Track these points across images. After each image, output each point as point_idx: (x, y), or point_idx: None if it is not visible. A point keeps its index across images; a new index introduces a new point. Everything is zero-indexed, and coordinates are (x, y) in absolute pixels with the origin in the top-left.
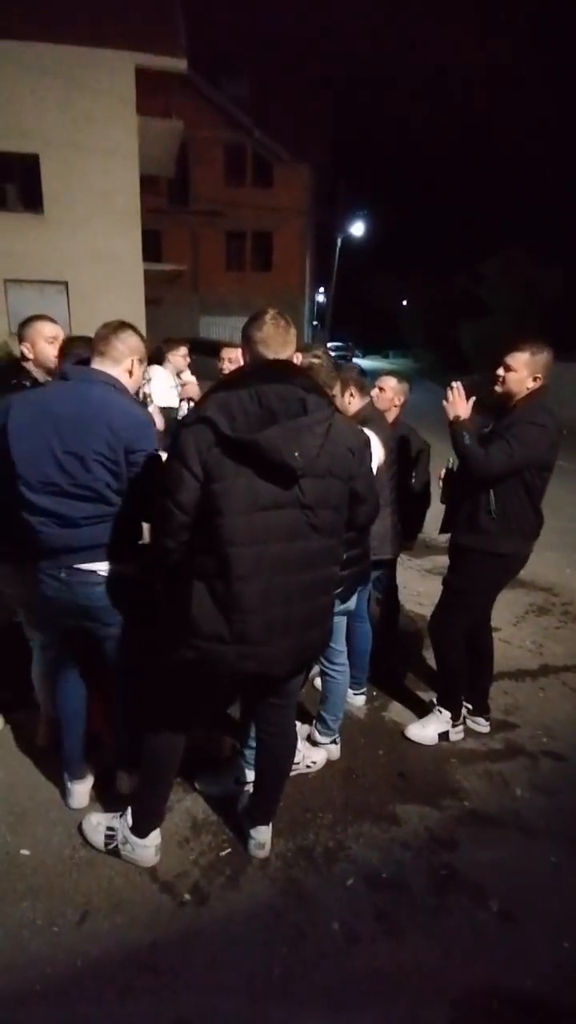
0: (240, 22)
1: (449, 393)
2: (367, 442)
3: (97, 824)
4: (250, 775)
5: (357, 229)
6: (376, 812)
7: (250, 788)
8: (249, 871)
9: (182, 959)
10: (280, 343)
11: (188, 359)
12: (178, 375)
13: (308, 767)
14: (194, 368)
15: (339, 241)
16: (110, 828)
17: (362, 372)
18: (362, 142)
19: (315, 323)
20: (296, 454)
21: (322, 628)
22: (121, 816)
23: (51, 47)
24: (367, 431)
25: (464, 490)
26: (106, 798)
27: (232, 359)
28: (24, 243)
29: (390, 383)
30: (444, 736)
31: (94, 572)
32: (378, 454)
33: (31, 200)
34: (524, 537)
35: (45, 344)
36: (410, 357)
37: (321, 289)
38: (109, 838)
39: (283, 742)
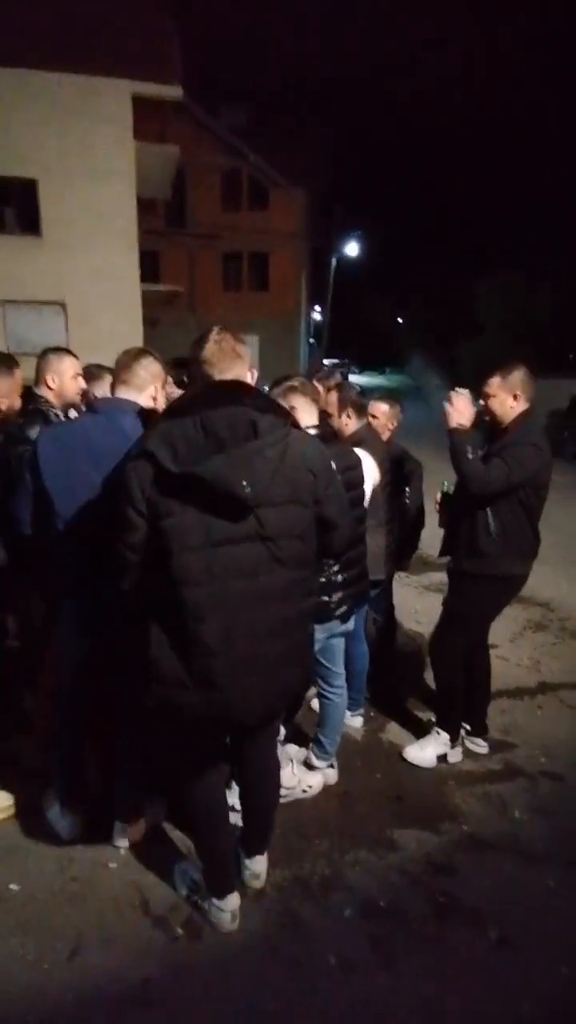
0: (239, 51)
1: (453, 398)
2: (354, 464)
3: (184, 872)
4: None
5: (352, 249)
6: (373, 837)
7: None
8: (244, 902)
9: (175, 994)
10: (227, 362)
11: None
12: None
13: (304, 791)
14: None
15: (334, 261)
16: (195, 880)
17: (361, 392)
18: (359, 164)
19: (311, 340)
20: (244, 483)
21: (300, 667)
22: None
23: (51, 75)
24: (362, 452)
25: (462, 511)
26: (99, 831)
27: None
28: (22, 265)
29: (382, 409)
30: (443, 758)
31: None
32: (373, 475)
33: (29, 223)
34: (523, 557)
35: (70, 380)
36: (406, 374)
37: (317, 307)
38: (192, 891)
39: (264, 780)
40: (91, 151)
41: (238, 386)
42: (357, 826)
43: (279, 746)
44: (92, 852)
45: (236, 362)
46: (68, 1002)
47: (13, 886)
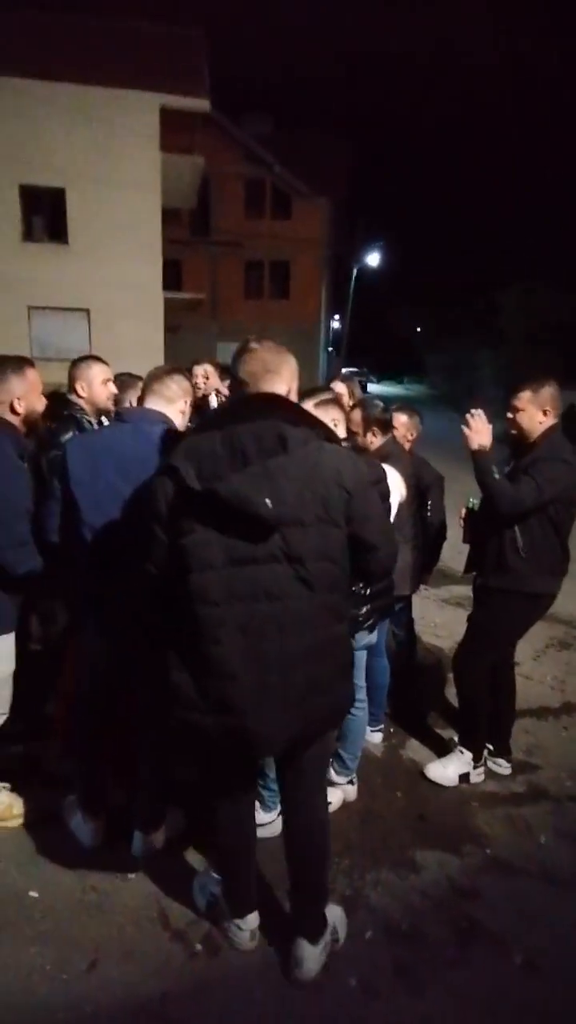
0: (264, 62)
1: (470, 420)
2: (379, 478)
3: (203, 886)
4: (265, 816)
5: (373, 259)
6: (395, 858)
7: (269, 827)
8: (263, 920)
9: (193, 1011)
10: (260, 375)
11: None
12: None
13: None
14: None
15: (354, 270)
16: (214, 895)
17: (385, 408)
18: (381, 173)
19: (330, 349)
20: (268, 501)
21: (333, 695)
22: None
23: (81, 88)
24: (388, 467)
25: (490, 529)
26: (118, 840)
27: (205, 374)
28: (49, 272)
29: (401, 420)
30: (465, 778)
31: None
32: (399, 489)
33: (57, 231)
34: (553, 575)
35: (100, 386)
36: (425, 383)
37: (337, 316)
38: (211, 906)
39: (305, 822)
40: (118, 162)
41: (270, 399)
42: (378, 845)
43: None
44: (111, 862)
45: (269, 375)
46: (86, 1015)
47: (33, 893)
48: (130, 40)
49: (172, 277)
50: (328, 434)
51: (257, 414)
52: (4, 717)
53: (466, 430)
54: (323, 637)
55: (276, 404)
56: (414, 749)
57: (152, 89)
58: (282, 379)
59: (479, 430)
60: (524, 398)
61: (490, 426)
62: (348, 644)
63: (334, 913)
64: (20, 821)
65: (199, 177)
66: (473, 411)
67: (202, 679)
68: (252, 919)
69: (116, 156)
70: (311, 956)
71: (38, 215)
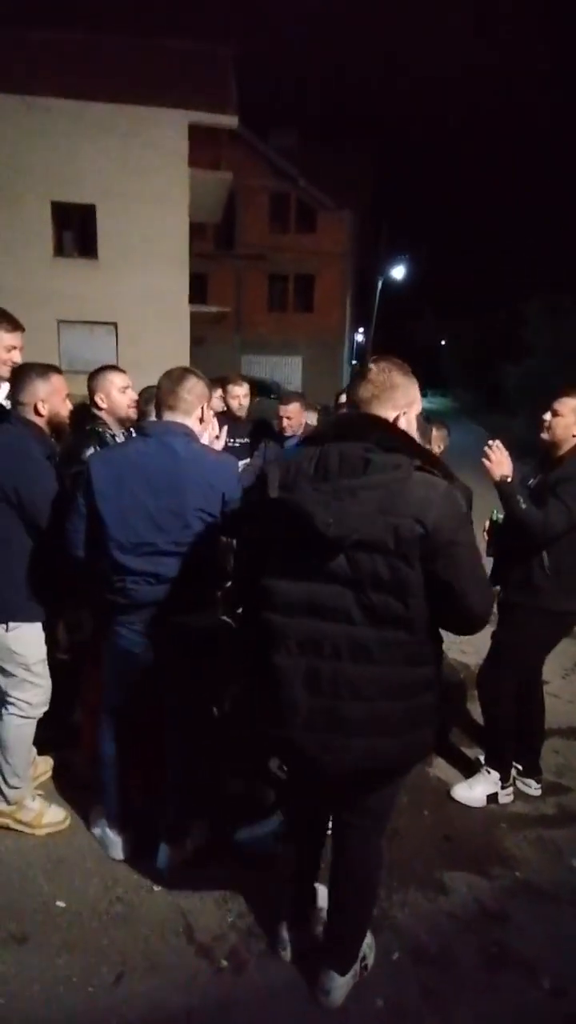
0: (290, 76)
1: (489, 452)
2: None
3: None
4: None
5: (398, 272)
6: (422, 878)
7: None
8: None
9: None
10: (371, 401)
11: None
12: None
13: None
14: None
15: (379, 283)
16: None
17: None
18: (406, 184)
19: (354, 362)
20: (330, 521)
21: (398, 739)
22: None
23: (111, 106)
24: None
25: (515, 548)
26: (144, 851)
27: (244, 395)
28: (78, 286)
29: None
30: (492, 798)
31: (183, 624)
32: None
33: (87, 246)
34: None
35: (118, 394)
36: (449, 396)
37: (361, 329)
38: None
39: (349, 870)
40: (147, 178)
41: (369, 420)
42: (405, 865)
43: None
44: (137, 873)
45: (376, 400)
46: None
47: (60, 903)
48: (159, 59)
49: (197, 290)
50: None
51: (352, 434)
52: (47, 707)
53: (487, 462)
54: (391, 675)
55: (375, 426)
56: (440, 768)
57: (181, 107)
58: (392, 403)
59: (499, 461)
60: (569, 404)
61: (507, 455)
62: (426, 694)
63: (365, 939)
64: (50, 830)
65: (226, 192)
66: (491, 442)
67: (264, 688)
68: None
69: (145, 172)
70: (339, 987)
71: (69, 231)
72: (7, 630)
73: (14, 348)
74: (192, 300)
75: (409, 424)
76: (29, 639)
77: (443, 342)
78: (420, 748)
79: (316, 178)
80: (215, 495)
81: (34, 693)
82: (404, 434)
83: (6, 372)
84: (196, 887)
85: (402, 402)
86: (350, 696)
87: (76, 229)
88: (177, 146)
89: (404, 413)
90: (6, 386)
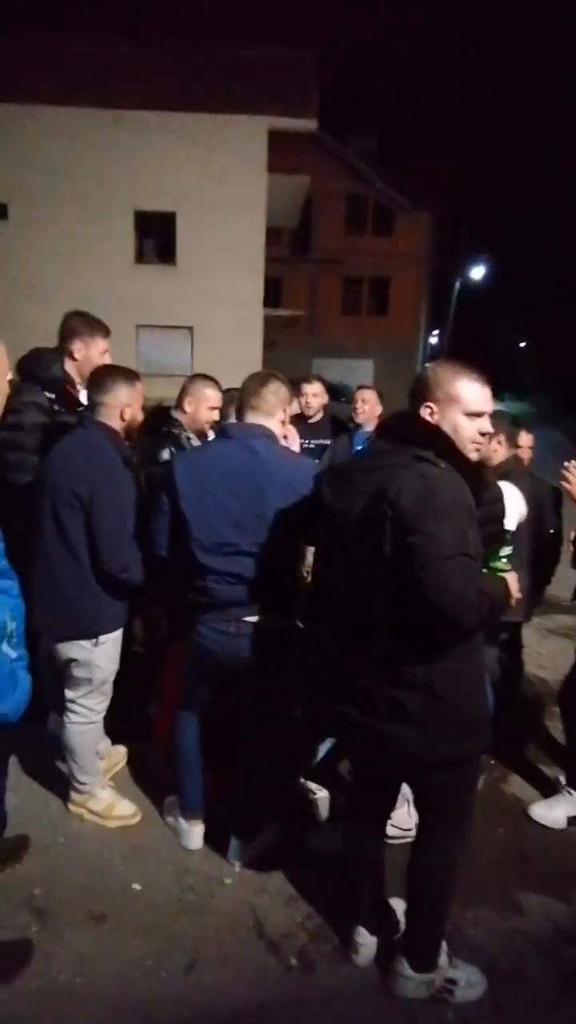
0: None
1: (568, 475)
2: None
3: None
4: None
5: (477, 273)
6: (496, 897)
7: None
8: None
9: None
10: (411, 397)
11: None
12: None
13: None
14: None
15: (457, 285)
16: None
17: (514, 421)
18: (488, 184)
19: (427, 366)
20: (331, 496)
21: (414, 729)
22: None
23: (194, 116)
24: (507, 485)
25: None
26: (216, 845)
27: (314, 393)
28: (157, 291)
29: (525, 440)
30: (573, 820)
31: (262, 624)
32: (519, 509)
33: (165, 253)
34: None
35: (207, 410)
36: (526, 401)
37: (436, 332)
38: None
39: (420, 857)
40: (227, 184)
41: (402, 417)
42: (478, 882)
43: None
44: (208, 865)
45: (412, 397)
46: (183, 1019)
47: (136, 885)
48: (240, 68)
49: (272, 294)
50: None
51: (385, 431)
52: (102, 716)
53: (566, 485)
54: (400, 665)
55: (405, 423)
56: (516, 785)
57: (261, 113)
58: (419, 397)
59: None
60: None
61: None
62: (431, 694)
63: (467, 974)
64: (120, 822)
65: (303, 196)
66: (568, 463)
67: (314, 657)
68: (365, 935)
69: (224, 179)
70: (408, 978)
71: (149, 238)
72: (95, 645)
73: (106, 352)
74: (266, 304)
75: (438, 418)
76: (112, 653)
77: (522, 345)
78: (425, 746)
79: (395, 180)
80: (295, 497)
81: (99, 700)
82: (424, 425)
83: None
84: (266, 885)
85: (427, 396)
86: (369, 671)
87: (156, 236)
88: (257, 152)
89: (429, 407)
90: None
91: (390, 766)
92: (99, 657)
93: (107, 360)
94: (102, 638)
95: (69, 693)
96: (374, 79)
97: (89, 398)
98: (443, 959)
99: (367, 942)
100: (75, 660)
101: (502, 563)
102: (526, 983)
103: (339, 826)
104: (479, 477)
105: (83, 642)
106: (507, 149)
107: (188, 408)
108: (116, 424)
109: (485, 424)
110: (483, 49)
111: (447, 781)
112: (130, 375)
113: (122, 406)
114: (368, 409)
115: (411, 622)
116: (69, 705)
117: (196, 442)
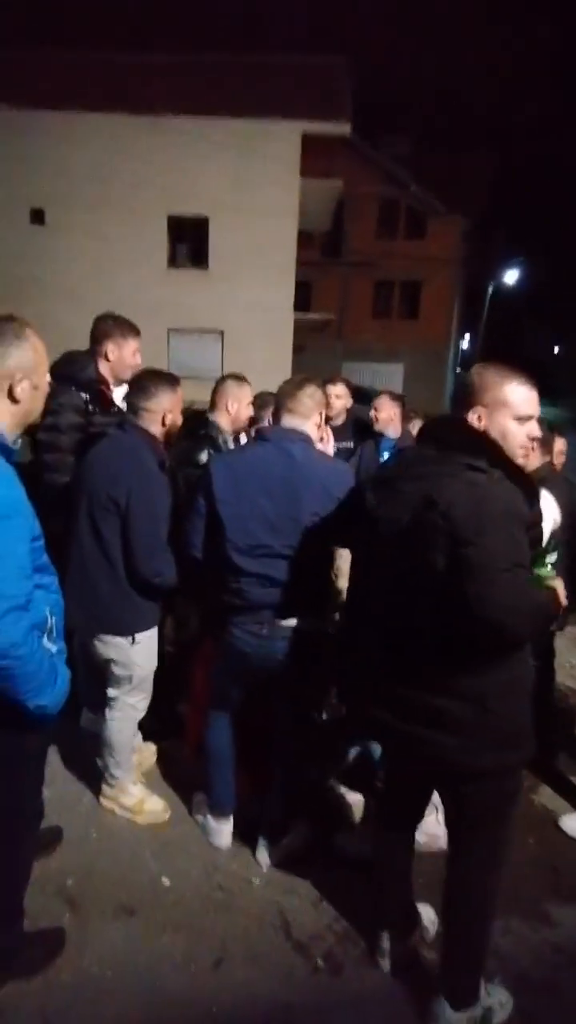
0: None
1: None
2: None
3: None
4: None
5: (511, 277)
6: (526, 908)
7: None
8: (389, 944)
9: None
10: (455, 402)
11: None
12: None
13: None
14: None
15: (490, 289)
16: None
17: (550, 427)
18: (524, 188)
19: (458, 370)
20: (376, 503)
21: (455, 736)
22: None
23: (227, 121)
24: (544, 491)
25: None
26: (244, 845)
27: (337, 395)
28: (188, 296)
29: (558, 444)
30: None
31: (294, 627)
32: (554, 516)
33: (198, 257)
34: None
35: (246, 408)
36: (559, 406)
37: (467, 336)
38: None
39: (454, 874)
40: (259, 189)
41: (448, 423)
42: (508, 891)
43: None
44: (236, 864)
45: (458, 403)
46: (211, 1015)
47: (165, 881)
48: (275, 72)
49: (302, 298)
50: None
51: (427, 437)
52: (143, 713)
53: None
54: (435, 663)
55: (451, 429)
56: (547, 796)
57: (295, 117)
58: (464, 402)
59: None
60: None
61: None
62: (483, 706)
63: (499, 997)
64: (151, 819)
65: (336, 200)
66: None
67: (345, 653)
68: (392, 940)
69: (257, 184)
70: (448, 1019)
71: (182, 243)
72: (133, 643)
73: (137, 351)
74: (296, 308)
75: (486, 424)
76: (149, 650)
77: (555, 349)
78: (467, 755)
79: (429, 183)
80: (331, 500)
81: (141, 698)
82: (471, 433)
83: (128, 375)
84: (294, 886)
85: (473, 401)
86: (396, 678)
87: (189, 241)
88: (290, 156)
89: (477, 413)
90: (124, 387)
91: (426, 773)
92: (137, 655)
93: (138, 359)
94: (138, 636)
95: (112, 691)
96: (409, 81)
97: (130, 402)
98: (481, 990)
99: (394, 949)
100: (114, 660)
101: (547, 570)
102: (556, 996)
103: (370, 830)
104: (532, 484)
105: (120, 640)
106: (543, 151)
107: (231, 409)
108: (156, 429)
109: (534, 428)
110: (520, 49)
111: (486, 791)
112: (172, 380)
113: (164, 411)
114: (383, 417)
115: (458, 632)
116: (111, 702)
117: (232, 445)
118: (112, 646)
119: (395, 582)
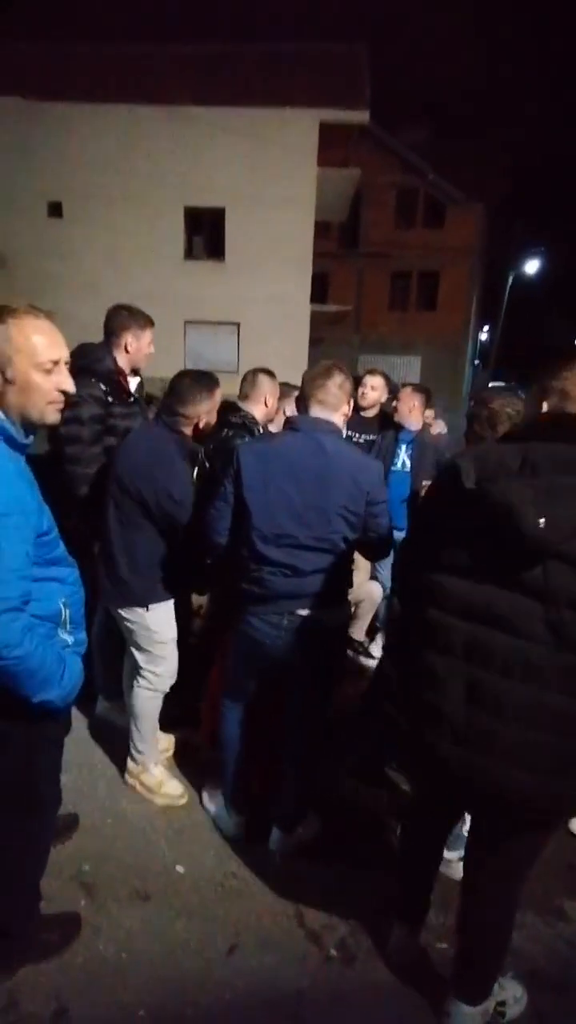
0: (419, 66)
1: None
2: None
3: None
4: (448, 854)
5: (531, 266)
6: (541, 904)
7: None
8: (403, 934)
9: (328, 1018)
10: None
11: None
12: None
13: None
14: None
15: (510, 279)
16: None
17: None
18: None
19: (476, 362)
20: (542, 520)
21: (564, 781)
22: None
23: (244, 110)
24: None
25: None
26: (257, 833)
27: (372, 386)
28: (205, 288)
29: None
30: None
31: (314, 619)
32: None
33: (215, 249)
34: None
35: (275, 401)
36: None
37: (486, 327)
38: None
39: (481, 910)
40: (276, 179)
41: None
42: (523, 888)
43: None
44: (249, 853)
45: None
46: (225, 1001)
47: (179, 868)
48: (292, 61)
49: (318, 290)
50: None
51: (559, 435)
52: (173, 680)
53: None
54: (561, 705)
55: None
56: None
57: (312, 106)
58: None
59: None
60: None
61: None
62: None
63: (514, 991)
64: (168, 801)
65: (353, 189)
66: None
67: (415, 689)
68: (406, 932)
69: (274, 174)
70: (464, 1016)
71: (199, 235)
72: (147, 611)
73: (151, 340)
74: (313, 300)
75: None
76: (164, 618)
77: None
78: (566, 790)
79: (448, 171)
80: (360, 493)
81: (164, 667)
82: None
83: (144, 365)
84: (306, 877)
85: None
86: (513, 718)
87: (206, 232)
88: (307, 146)
89: None
90: (137, 378)
91: (477, 800)
92: (152, 620)
93: (152, 349)
94: (152, 606)
95: (137, 658)
96: (428, 67)
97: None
98: (495, 984)
99: (408, 941)
100: (132, 626)
101: None
102: (569, 990)
103: (381, 823)
104: None
105: (137, 609)
106: (565, 137)
107: (268, 403)
108: (189, 430)
109: None
110: (542, 35)
111: (540, 826)
112: (212, 384)
113: (200, 416)
114: (402, 408)
115: None
116: (137, 672)
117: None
118: (131, 614)
119: (508, 606)
